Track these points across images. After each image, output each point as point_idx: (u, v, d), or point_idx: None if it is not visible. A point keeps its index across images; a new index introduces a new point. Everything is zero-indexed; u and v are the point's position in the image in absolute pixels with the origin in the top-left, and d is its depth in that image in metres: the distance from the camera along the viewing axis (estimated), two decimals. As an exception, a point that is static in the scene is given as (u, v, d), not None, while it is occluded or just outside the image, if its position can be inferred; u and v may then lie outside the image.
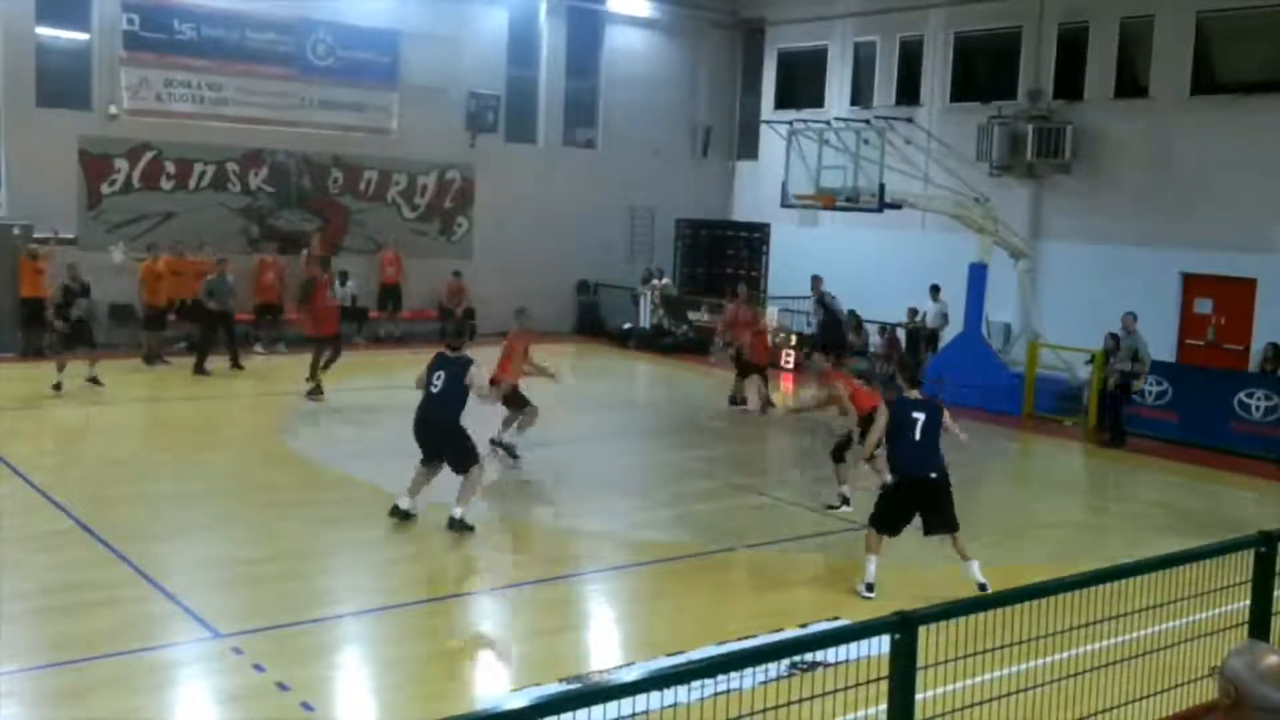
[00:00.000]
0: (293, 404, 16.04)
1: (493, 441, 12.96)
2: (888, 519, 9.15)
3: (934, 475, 8.97)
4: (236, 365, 18.35)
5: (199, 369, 17.73)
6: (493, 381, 11.77)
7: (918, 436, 8.96)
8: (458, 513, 10.18)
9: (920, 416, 9.01)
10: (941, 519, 9.02)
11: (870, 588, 8.98)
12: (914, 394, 9.40)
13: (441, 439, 10.38)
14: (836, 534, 11.04)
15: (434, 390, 10.37)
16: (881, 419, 9.30)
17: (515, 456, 13.18)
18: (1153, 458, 15.58)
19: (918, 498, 9.00)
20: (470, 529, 10.20)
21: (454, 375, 10.27)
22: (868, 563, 9.09)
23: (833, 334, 19.69)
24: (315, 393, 16.11)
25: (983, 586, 8.75)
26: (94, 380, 15.94)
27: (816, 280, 20.56)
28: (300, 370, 16.61)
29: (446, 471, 10.44)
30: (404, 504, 10.39)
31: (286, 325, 21.00)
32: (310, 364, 16.24)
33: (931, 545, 10.87)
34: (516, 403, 13.18)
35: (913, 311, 21.33)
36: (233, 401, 16.69)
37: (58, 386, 15.45)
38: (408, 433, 10.51)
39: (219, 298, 18.20)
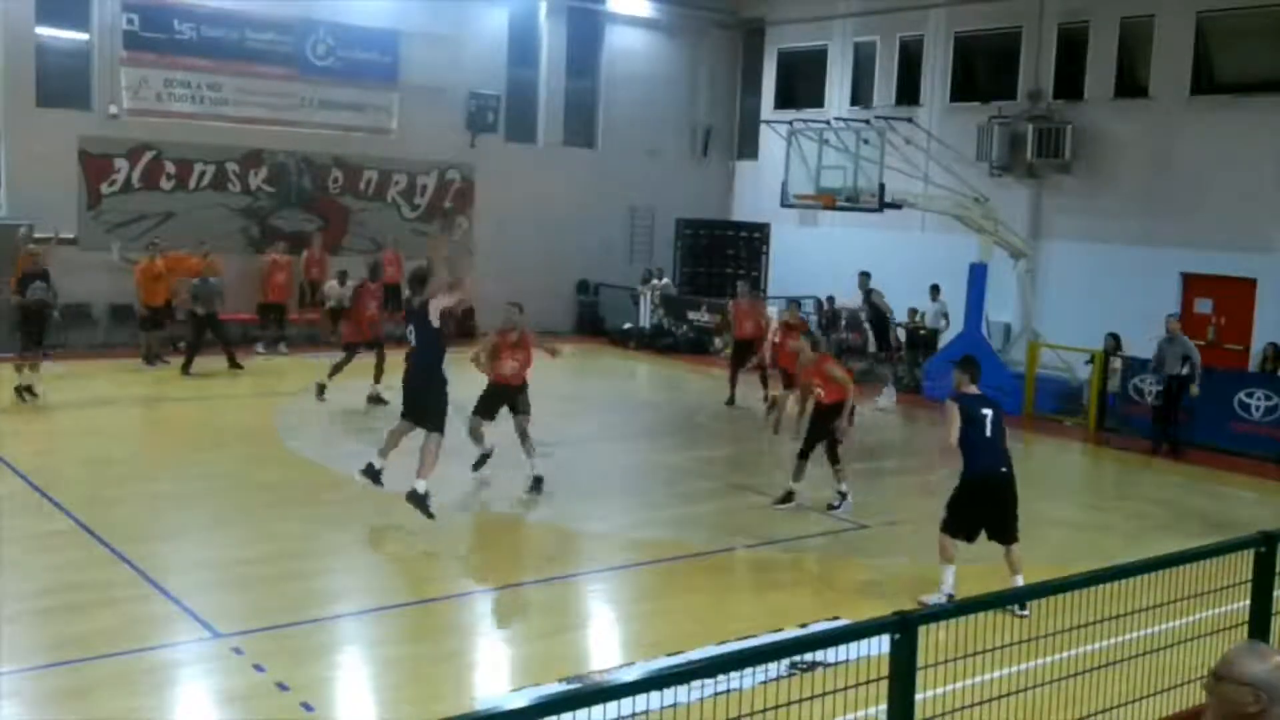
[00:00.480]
0: (293, 404, 16.03)
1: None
2: (961, 522, 8.86)
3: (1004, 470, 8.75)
4: (235, 365, 18.19)
5: (185, 370, 17.45)
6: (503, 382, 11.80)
7: (989, 432, 8.71)
8: (421, 486, 10.14)
9: (988, 413, 8.78)
10: (1006, 524, 8.77)
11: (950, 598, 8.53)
12: (974, 390, 9.09)
13: (419, 388, 10.35)
14: (836, 534, 11.04)
15: (412, 342, 10.40)
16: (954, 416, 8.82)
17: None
18: (1153, 457, 15.59)
19: (991, 498, 8.75)
20: (430, 516, 10.11)
21: (421, 319, 10.23)
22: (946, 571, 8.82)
23: (880, 332, 19.56)
24: (321, 392, 16.03)
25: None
26: (28, 390, 14.91)
27: (864, 277, 19.65)
28: (299, 371, 16.61)
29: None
30: (377, 462, 10.46)
31: (290, 325, 21.04)
32: (333, 366, 16.00)
33: (930, 545, 10.88)
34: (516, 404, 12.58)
35: (913, 312, 21.34)
36: (232, 401, 16.68)
37: (26, 389, 14.84)
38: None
39: (203, 300, 17.87)
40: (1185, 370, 15.43)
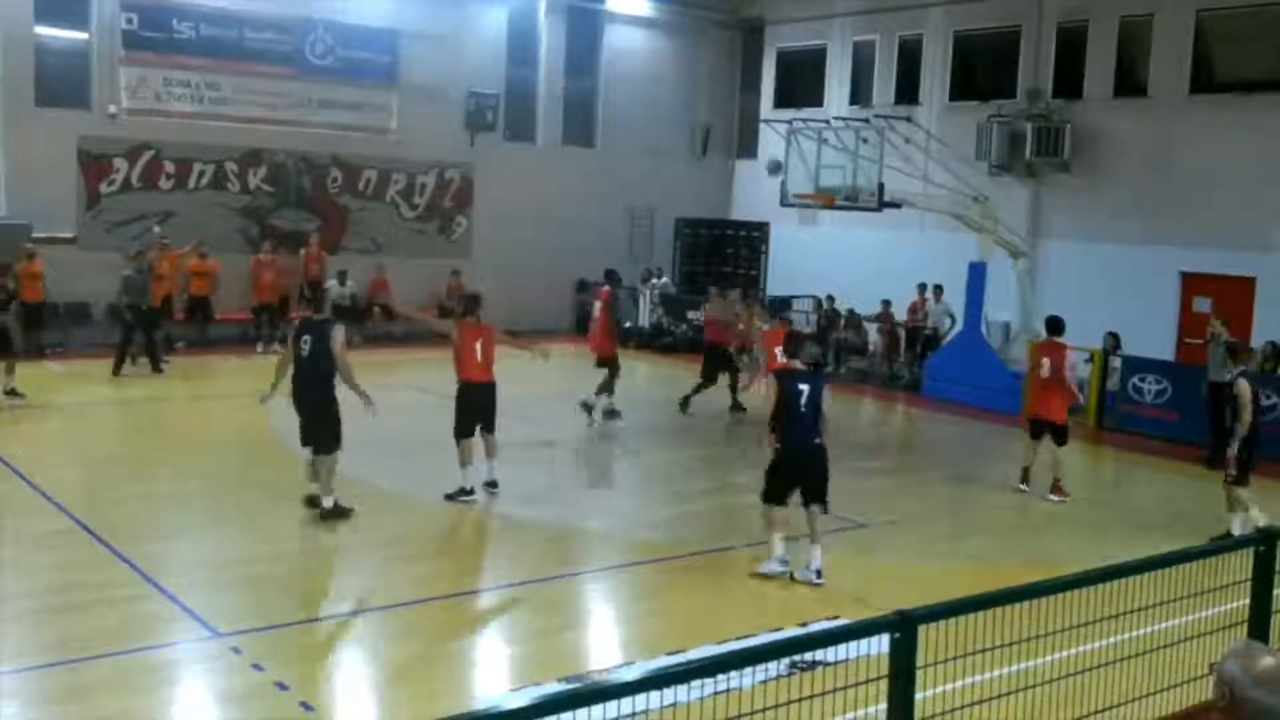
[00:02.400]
0: (292, 404, 15.99)
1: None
2: (776, 489, 9.44)
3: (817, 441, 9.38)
4: (157, 369, 17.59)
5: (116, 371, 17.03)
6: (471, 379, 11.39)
7: (803, 408, 9.27)
8: (328, 503, 10.16)
9: (804, 389, 9.31)
10: (818, 488, 9.41)
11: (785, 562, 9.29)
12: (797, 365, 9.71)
13: (311, 409, 10.33)
14: (836, 534, 11.03)
15: (304, 354, 10.33)
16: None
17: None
18: (1153, 457, 15.59)
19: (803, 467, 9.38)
20: (346, 513, 10.19)
21: (319, 339, 10.18)
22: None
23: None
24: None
25: (818, 572, 9.13)
26: (12, 391, 14.78)
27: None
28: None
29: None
30: (314, 488, 10.40)
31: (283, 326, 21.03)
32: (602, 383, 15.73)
33: (930, 544, 10.89)
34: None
35: (886, 303, 21.45)
36: (231, 401, 16.67)
37: (11, 392, 14.73)
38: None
39: (133, 293, 17.40)
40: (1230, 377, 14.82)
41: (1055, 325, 13.05)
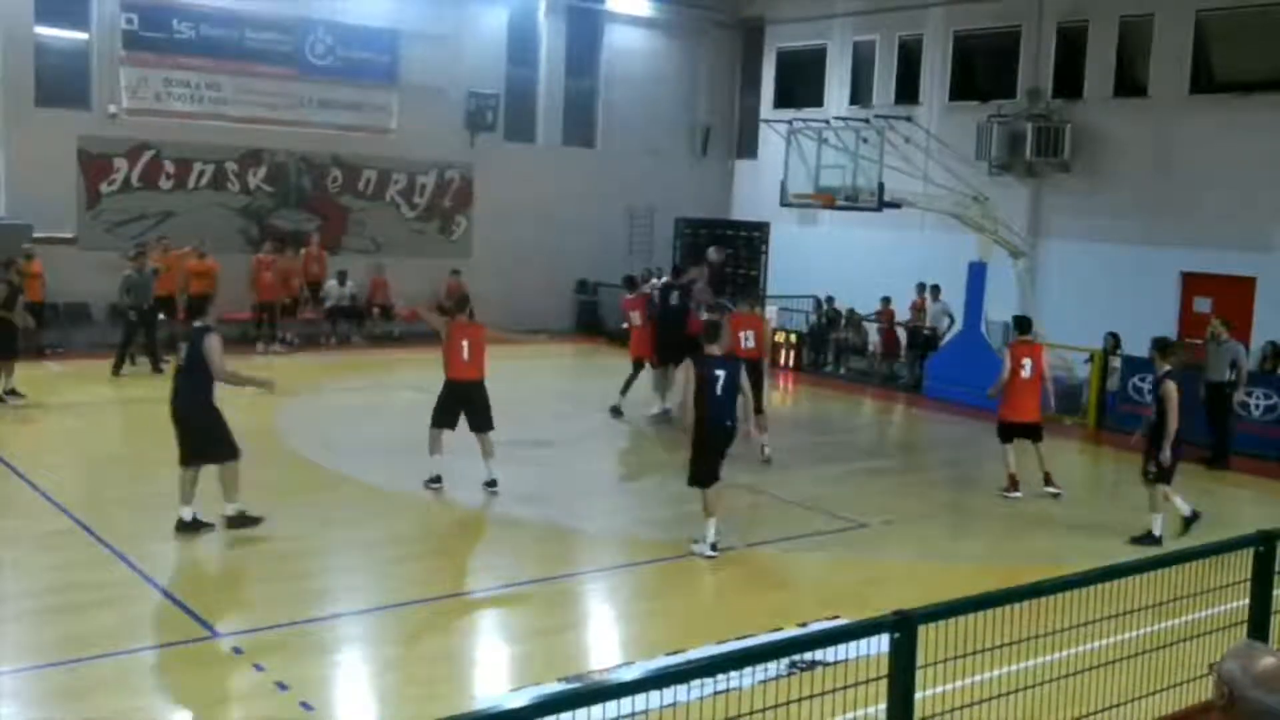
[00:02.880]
0: (292, 404, 16.03)
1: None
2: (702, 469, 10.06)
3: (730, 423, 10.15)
4: (157, 369, 17.46)
5: (116, 370, 17.02)
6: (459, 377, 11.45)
7: (719, 392, 9.94)
8: (230, 510, 9.76)
9: (721, 374, 9.95)
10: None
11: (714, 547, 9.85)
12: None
13: (188, 420, 9.87)
14: (836, 533, 11.04)
15: (179, 364, 10.05)
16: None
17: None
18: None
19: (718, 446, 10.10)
20: (254, 521, 9.82)
21: (194, 347, 9.89)
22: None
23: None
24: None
25: (714, 546, 9.76)
26: (12, 392, 14.84)
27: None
28: (298, 371, 16.59)
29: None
30: (185, 515, 9.73)
31: (281, 325, 21.02)
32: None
33: (930, 545, 10.89)
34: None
35: (886, 300, 21.53)
36: (232, 401, 16.65)
37: (11, 392, 14.75)
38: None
39: (136, 294, 17.37)
40: (1232, 376, 14.72)
41: (1025, 324, 13.24)
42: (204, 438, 9.79)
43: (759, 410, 12.97)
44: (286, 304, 21.01)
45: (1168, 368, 11.19)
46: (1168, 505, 11.09)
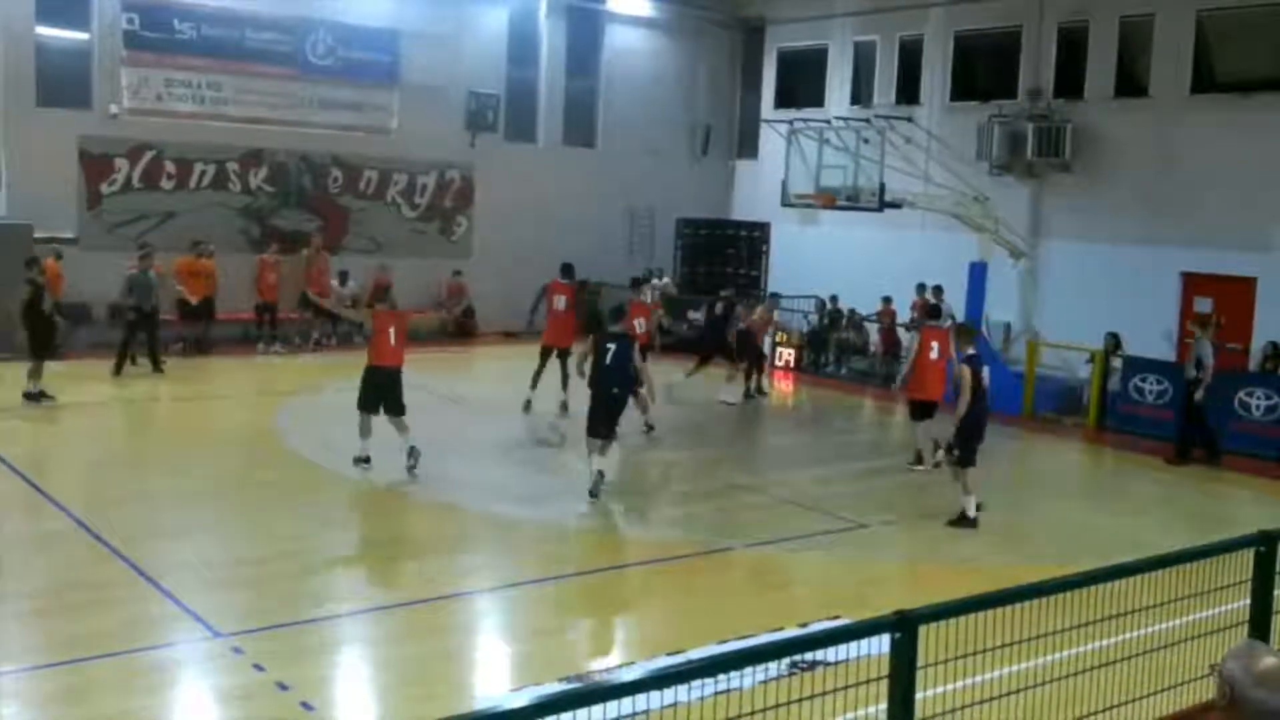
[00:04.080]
0: (292, 403, 16.03)
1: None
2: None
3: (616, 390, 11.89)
4: (157, 369, 17.54)
5: (117, 371, 16.99)
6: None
7: (608, 361, 11.72)
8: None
9: (611, 347, 11.77)
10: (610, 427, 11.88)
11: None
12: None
13: None
14: (836, 534, 11.04)
15: None
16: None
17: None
18: (1153, 457, 15.58)
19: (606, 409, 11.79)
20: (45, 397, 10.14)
21: None
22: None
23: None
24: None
25: (592, 492, 11.30)
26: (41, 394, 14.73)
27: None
28: (298, 371, 16.58)
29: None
30: None
31: (284, 325, 21.02)
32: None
33: (930, 545, 10.90)
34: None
35: (887, 300, 21.59)
36: (232, 401, 16.70)
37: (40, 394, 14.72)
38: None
39: (139, 294, 17.41)
40: (1197, 374, 15.00)
41: (936, 311, 14.93)
42: None
43: (639, 384, 13.87)
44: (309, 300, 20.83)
45: (970, 351, 11.74)
46: (975, 488, 11.41)
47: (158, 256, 18.62)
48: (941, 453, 12.67)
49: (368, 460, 12.09)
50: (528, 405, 15.74)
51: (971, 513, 11.31)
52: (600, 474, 11.53)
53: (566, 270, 17.03)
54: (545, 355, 16.00)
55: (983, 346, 13.82)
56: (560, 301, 16.35)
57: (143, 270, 17.64)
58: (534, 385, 15.76)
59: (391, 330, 12.17)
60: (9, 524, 9.92)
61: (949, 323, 14.88)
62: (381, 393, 12.12)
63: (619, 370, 11.77)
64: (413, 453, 11.98)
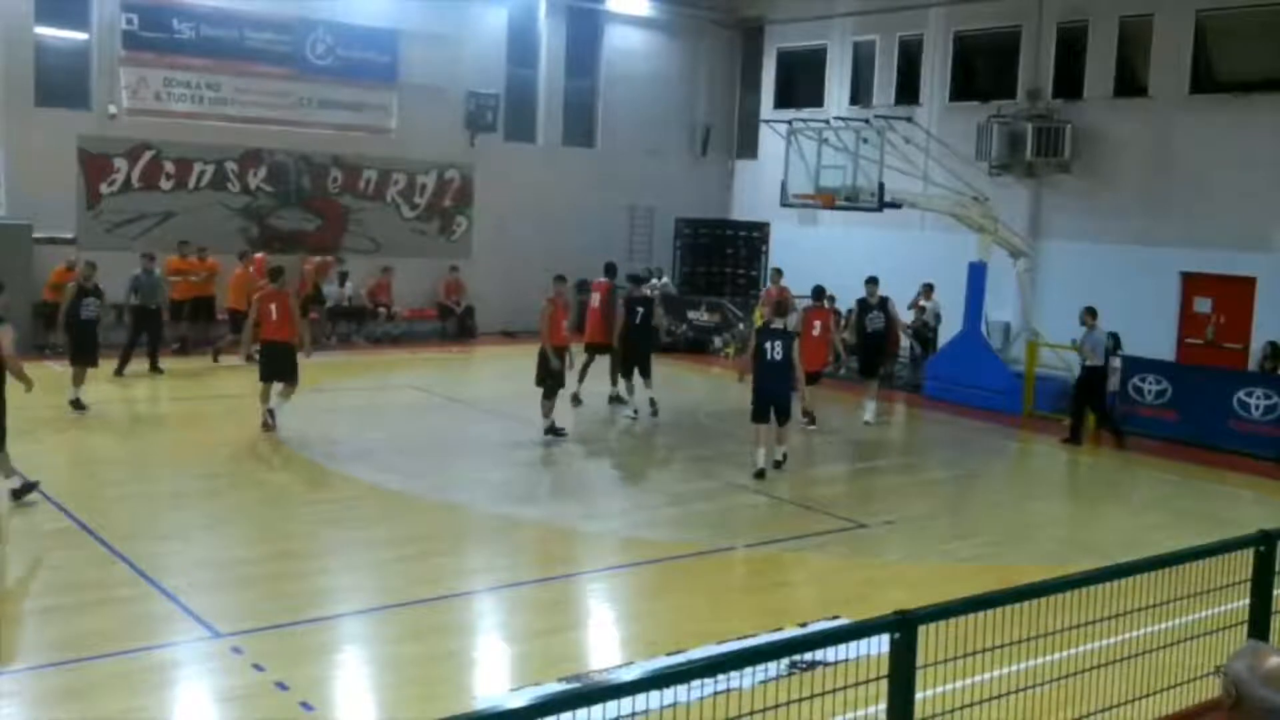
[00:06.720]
0: (292, 404, 16.01)
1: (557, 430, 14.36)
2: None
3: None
4: (155, 369, 17.53)
5: (119, 371, 16.95)
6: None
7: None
8: (14, 483, 10.20)
9: None
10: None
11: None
12: None
13: None
14: (836, 534, 11.04)
15: None
16: None
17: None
18: (1152, 457, 15.59)
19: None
20: (31, 487, 10.27)
21: None
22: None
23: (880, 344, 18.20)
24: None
25: (547, 430, 13.41)
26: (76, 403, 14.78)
27: (873, 284, 17.81)
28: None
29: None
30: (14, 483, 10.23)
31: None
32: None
33: (930, 544, 10.90)
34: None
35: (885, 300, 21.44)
36: (232, 401, 16.68)
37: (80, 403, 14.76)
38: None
39: (144, 294, 17.44)
40: (1099, 363, 16.01)
41: (820, 293, 16.77)
42: None
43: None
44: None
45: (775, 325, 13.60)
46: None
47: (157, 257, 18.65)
48: (809, 423, 15.60)
49: (273, 417, 13.71)
50: (576, 399, 16.44)
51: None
52: (547, 424, 13.59)
53: (609, 270, 17.67)
54: (592, 352, 16.90)
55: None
56: (595, 299, 17.26)
57: (147, 271, 17.70)
58: (581, 379, 16.56)
59: (273, 307, 13.67)
60: (9, 524, 9.92)
61: (828, 304, 17.26)
62: (274, 364, 13.76)
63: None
64: (272, 415, 13.60)
